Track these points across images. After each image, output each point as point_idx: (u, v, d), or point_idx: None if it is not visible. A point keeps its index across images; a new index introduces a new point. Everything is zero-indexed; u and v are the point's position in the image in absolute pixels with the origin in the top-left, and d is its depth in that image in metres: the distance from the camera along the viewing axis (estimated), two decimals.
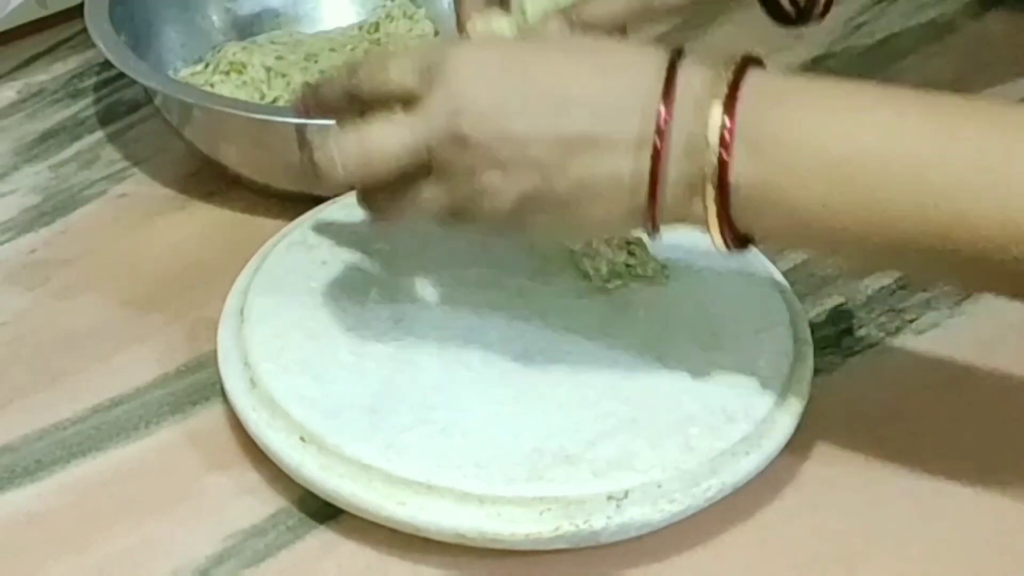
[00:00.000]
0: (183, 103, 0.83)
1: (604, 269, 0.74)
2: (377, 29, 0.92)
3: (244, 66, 0.88)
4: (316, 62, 0.89)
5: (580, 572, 0.67)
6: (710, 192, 0.62)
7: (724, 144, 0.61)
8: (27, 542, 0.68)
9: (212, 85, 0.87)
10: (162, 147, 0.88)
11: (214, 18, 0.93)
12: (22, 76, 0.95)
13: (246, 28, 0.94)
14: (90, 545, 0.67)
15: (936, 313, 0.80)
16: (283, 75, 0.88)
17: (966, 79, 0.96)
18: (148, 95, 0.86)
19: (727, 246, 0.64)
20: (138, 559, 0.67)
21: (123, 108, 0.92)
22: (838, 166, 0.61)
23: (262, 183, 0.85)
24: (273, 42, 0.91)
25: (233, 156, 0.84)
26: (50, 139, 0.90)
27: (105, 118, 0.91)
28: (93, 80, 0.94)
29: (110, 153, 0.89)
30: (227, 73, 0.88)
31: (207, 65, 0.90)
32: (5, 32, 0.96)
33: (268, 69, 0.88)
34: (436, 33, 0.91)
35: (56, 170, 0.87)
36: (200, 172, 0.87)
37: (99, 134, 0.90)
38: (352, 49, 0.90)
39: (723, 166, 0.61)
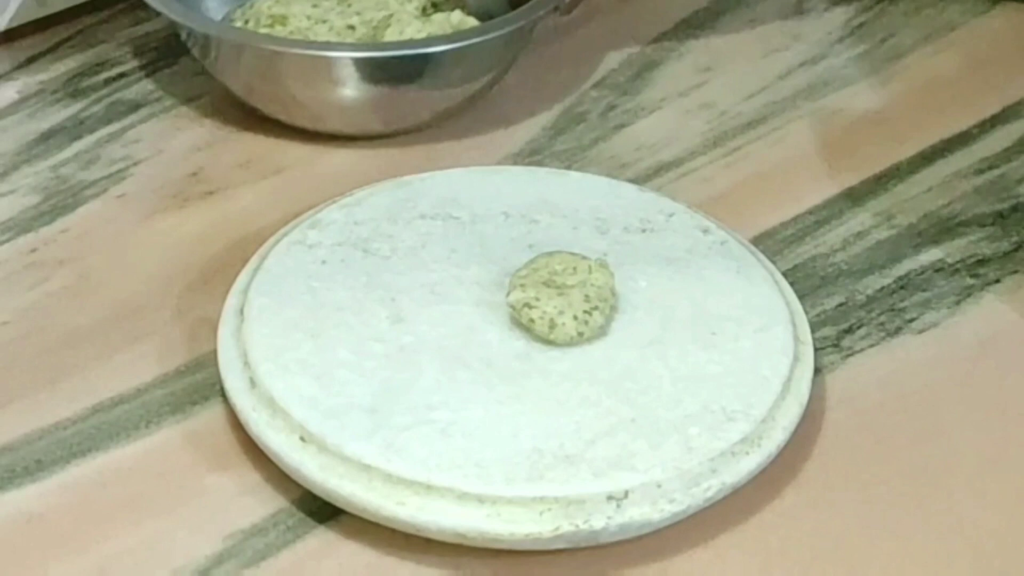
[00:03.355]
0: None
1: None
2: None
3: (285, 18, 0.89)
4: (350, 5, 0.90)
5: (580, 572, 0.67)
6: None
7: None
8: (27, 542, 0.68)
9: None
10: (162, 147, 0.88)
11: None
12: (22, 76, 0.94)
13: None
14: (90, 545, 0.67)
15: (936, 313, 0.80)
16: (323, 21, 0.89)
17: (967, 78, 0.96)
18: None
19: None
20: (138, 559, 0.67)
21: (123, 108, 0.92)
22: None
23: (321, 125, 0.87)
24: None
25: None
26: (50, 139, 0.90)
27: (105, 118, 0.91)
28: (93, 80, 0.94)
29: (110, 153, 0.89)
30: (271, 26, 0.89)
31: (247, 21, 0.91)
32: (5, 32, 0.96)
33: (308, 17, 0.89)
34: None
35: (56, 170, 0.87)
36: (200, 171, 0.87)
37: (99, 134, 0.90)
38: None
39: None
